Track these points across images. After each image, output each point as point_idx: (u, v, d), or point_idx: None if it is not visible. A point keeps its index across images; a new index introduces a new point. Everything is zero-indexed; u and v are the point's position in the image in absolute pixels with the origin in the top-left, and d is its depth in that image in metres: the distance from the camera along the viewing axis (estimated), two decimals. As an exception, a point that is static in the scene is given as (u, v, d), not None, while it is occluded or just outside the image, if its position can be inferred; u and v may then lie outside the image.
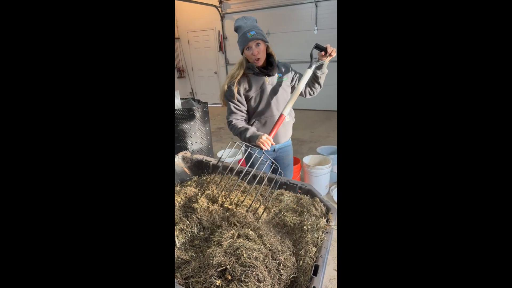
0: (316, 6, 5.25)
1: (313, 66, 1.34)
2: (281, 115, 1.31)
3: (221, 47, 6.72)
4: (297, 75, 1.54)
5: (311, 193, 1.11)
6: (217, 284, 0.61)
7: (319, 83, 1.45)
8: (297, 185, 1.15)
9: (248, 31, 1.30)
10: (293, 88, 1.54)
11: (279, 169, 1.11)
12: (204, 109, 2.42)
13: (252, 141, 1.30)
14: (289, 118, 1.55)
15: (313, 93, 1.52)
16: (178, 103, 2.39)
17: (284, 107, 1.32)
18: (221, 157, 1.09)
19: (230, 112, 1.46)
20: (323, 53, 1.30)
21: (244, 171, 1.17)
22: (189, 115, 2.29)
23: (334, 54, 1.30)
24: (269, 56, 1.42)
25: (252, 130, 1.37)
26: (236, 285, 0.61)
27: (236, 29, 1.35)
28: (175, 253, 0.79)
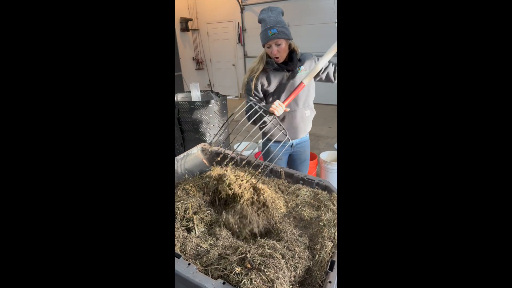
0: (338, -2, 5.10)
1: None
2: (300, 83, 1.25)
3: (240, 39, 6.70)
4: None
5: (328, 190, 1.11)
6: (237, 271, 0.63)
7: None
8: (314, 181, 1.15)
9: (270, 29, 1.23)
10: (317, 77, 1.48)
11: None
12: (223, 102, 2.45)
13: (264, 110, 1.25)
14: (309, 112, 1.52)
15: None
16: (197, 95, 2.43)
17: (305, 76, 1.27)
18: (243, 152, 1.08)
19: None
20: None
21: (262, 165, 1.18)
22: (208, 107, 2.32)
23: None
24: (291, 52, 1.37)
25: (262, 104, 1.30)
26: (255, 275, 0.63)
27: (260, 21, 1.31)
28: (195, 241, 0.82)
